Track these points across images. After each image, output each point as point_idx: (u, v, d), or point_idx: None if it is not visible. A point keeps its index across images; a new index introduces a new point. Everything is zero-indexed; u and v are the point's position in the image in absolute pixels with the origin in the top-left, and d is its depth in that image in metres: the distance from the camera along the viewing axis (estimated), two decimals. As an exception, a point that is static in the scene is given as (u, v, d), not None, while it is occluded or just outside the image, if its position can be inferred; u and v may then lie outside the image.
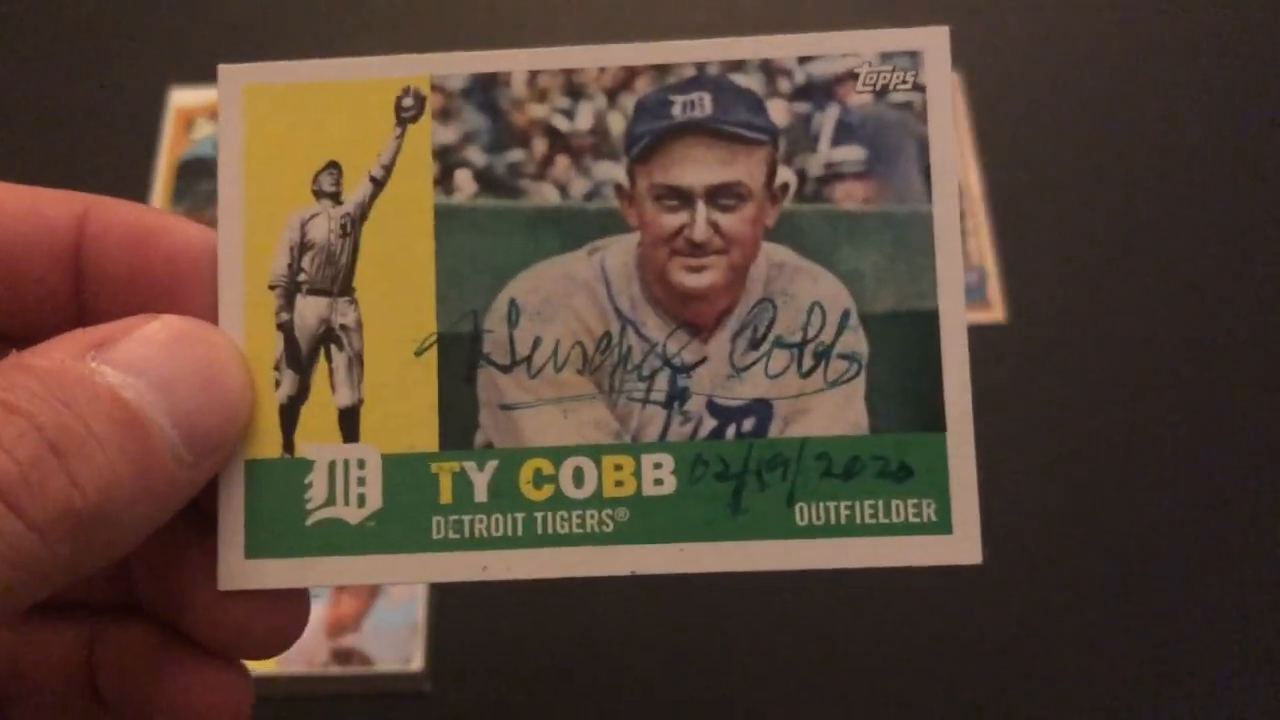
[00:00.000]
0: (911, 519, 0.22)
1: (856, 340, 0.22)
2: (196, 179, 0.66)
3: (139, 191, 0.65)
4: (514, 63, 0.23)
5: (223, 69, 0.23)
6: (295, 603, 0.23)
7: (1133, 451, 0.55)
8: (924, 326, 0.22)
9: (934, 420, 0.22)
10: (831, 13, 0.68)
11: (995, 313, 0.58)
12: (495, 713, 0.50)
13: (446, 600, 0.52)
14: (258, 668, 0.56)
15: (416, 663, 0.50)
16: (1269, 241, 0.61)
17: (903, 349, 0.22)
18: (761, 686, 0.50)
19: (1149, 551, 0.53)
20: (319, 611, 0.57)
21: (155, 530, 0.21)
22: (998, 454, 0.53)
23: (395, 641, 0.51)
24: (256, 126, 0.23)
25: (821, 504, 0.22)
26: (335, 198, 0.23)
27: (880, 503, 0.22)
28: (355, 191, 0.23)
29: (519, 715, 0.50)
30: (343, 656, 0.54)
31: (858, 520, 0.22)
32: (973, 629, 0.51)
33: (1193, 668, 0.50)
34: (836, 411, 0.22)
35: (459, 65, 0.23)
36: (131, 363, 0.20)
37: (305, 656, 0.56)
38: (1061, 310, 0.59)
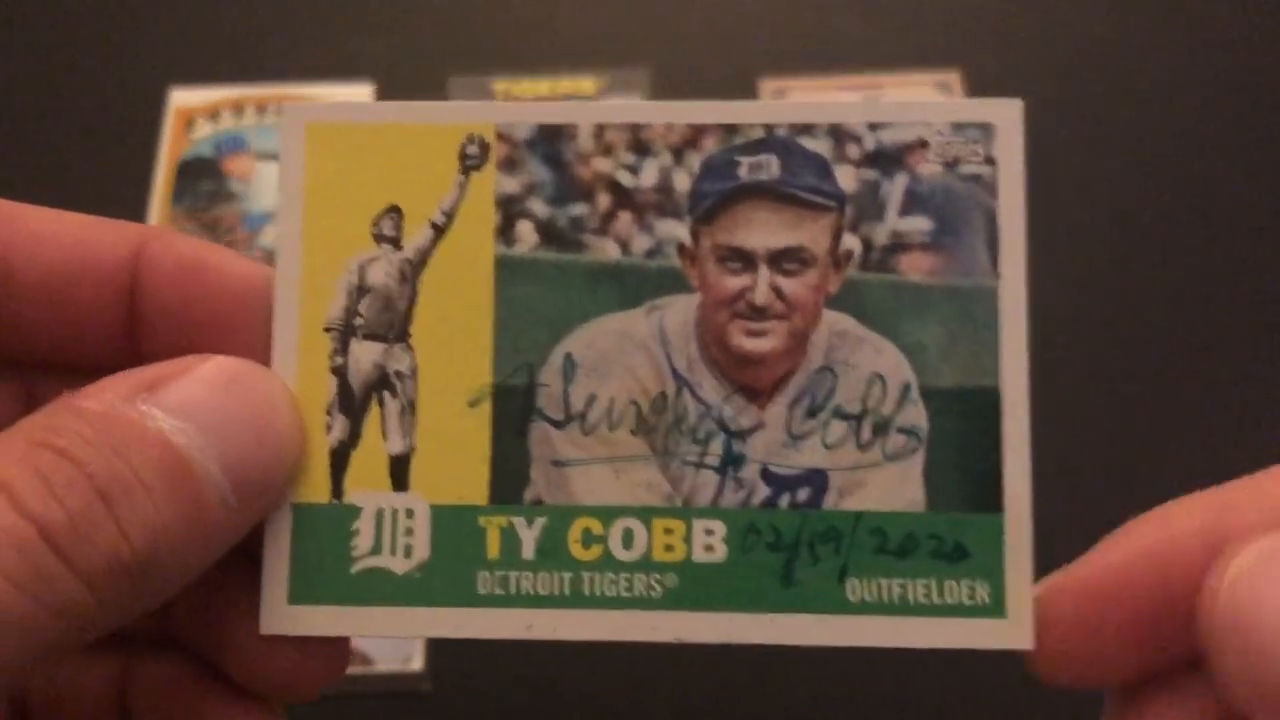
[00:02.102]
0: (965, 601, 0.21)
1: (917, 414, 0.22)
2: (196, 179, 0.66)
3: (139, 191, 0.65)
4: (581, 115, 0.23)
5: (286, 107, 0.23)
6: (336, 649, 0.23)
7: (1133, 452, 0.55)
8: (985, 404, 0.22)
9: (991, 501, 0.21)
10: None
11: (995, 313, 0.58)
12: (495, 713, 0.50)
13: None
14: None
15: (416, 663, 0.50)
16: (1271, 241, 0.61)
17: (963, 426, 0.22)
18: (760, 686, 0.50)
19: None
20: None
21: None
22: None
23: (395, 641, 0.51)
24: (318, 167, 0.23)
25: (874, 581, 0.21)
26: (395, 242, 0.23)
27: (934, 583, 0.21)
28: (416, 237, 0.23)
29: (519, 715, 0.50)
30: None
31: (910, 600, 0.21)
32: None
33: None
34: (893, 486, 0.22)
35: (525, 115, 0.23)
36: (182, 406, 0.20)
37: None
38: (1061, 310, 0.58)
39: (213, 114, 0.68)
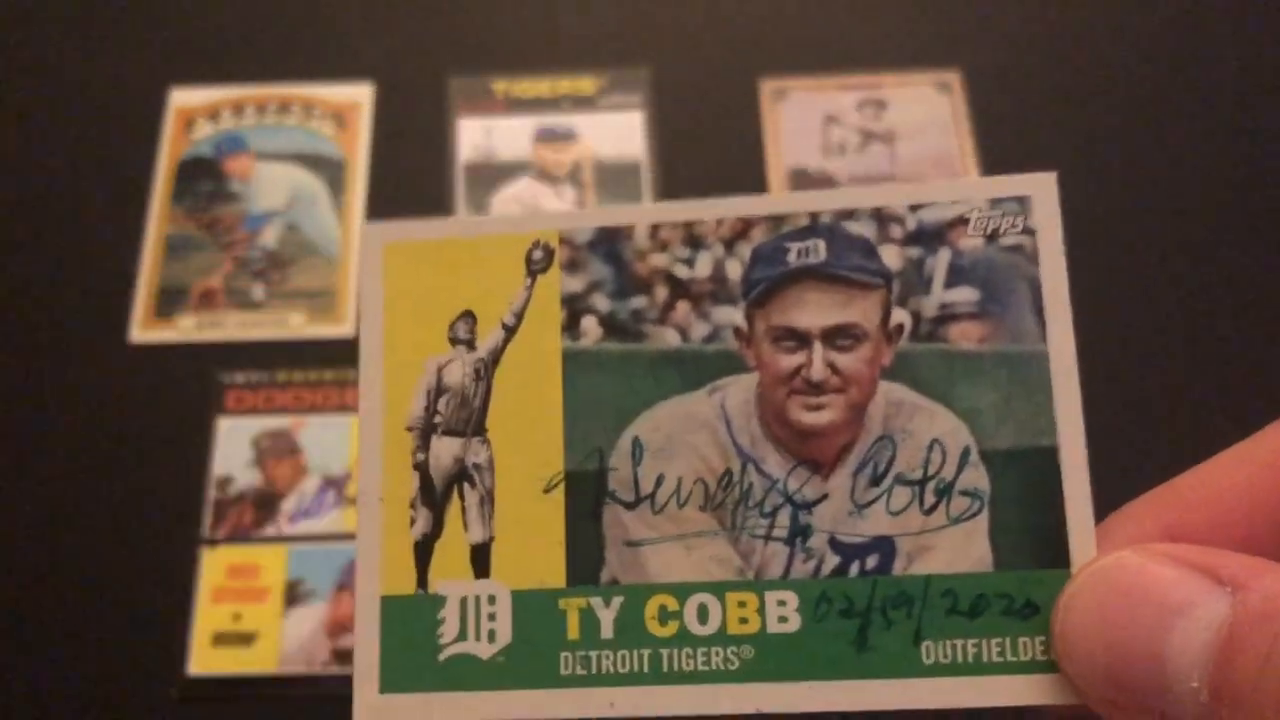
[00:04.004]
0: (1039, 657, 0.21)
1: (978, 476, 0.22)
2: (196, 179, 0.67)
3: (139, 191, 0.65)
4: (637, 216, 0.24)
5: (364, 228, 0.25)
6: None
7: (1133, 454, 0.53)
8: (1044, 463, 0.22)
9: (1058, 556, 0.22)
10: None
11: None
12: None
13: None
14: (256, 667, 0.56)
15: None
16: (1270, 241, 0.59)
17: (1024, 485, 0.22)
18: None
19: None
20: (319, 611, 0.57)
21: None
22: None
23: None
24: (395, 281, 0.25)
25: (948, 642, 0.22)
26: (470, 344, 0.24)
27: (1007, 641, 0.22)
28: (488, 338, 0.24)
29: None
30: (343, 657, 0.55)
31: (985, 659, 0.21)
32: None
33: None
34: (960, 548, 0.22)
35: (585, 220, 0.24)
36: None
37: (305, 656, 0.56)
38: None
39: (213, 114, 0.69)
